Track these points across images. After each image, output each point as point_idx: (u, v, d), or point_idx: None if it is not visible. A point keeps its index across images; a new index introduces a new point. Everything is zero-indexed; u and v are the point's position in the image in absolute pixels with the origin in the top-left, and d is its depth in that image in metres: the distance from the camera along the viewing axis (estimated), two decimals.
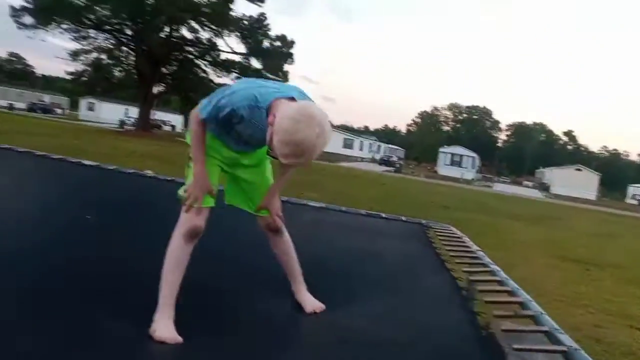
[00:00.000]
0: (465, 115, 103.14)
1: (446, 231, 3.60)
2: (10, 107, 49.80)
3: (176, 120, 64.78)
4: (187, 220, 1.78)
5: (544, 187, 52.12)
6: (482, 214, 13.83)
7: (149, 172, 10.75)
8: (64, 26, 30.04)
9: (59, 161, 4.11)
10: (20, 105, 54.18)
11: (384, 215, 3.98)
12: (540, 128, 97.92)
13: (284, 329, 1.88)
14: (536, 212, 17.95)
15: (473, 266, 2.60)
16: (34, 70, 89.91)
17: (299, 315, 1.93)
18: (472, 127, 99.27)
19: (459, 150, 57.70)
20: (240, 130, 1.80)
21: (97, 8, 29.77)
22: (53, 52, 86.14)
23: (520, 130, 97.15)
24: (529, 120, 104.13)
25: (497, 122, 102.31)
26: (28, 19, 29.22)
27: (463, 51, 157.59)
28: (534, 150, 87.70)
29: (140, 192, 3.74)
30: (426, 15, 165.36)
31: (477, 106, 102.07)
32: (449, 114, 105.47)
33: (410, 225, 3.83)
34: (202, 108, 1.79)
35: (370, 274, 2.50)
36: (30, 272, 1.90)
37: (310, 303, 2.02)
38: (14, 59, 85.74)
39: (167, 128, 57.40)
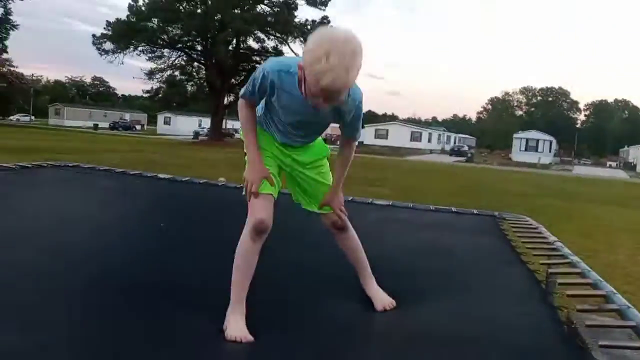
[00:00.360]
0: (539, 97, 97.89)
1: (521, 222, 3.46)
2: (95, 127, 53.63)
3: None
4: (251, 215, 1.75)
5: (629, 167, 48.45)
6: (561, 199, 13.13)
7: (222, 180, 11.21)
8: (140, 48, 32.14)
9: (137, 176, 4.37)
10: (104, 124, 58.23)
11: (454, 209, 3.88)
12: (622, 105, 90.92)
13: (355, 326, 1.90)
14: (621, 194, 16.74)
15: (551, 258, 2.47)
16: (116, 91, 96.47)
17: (370, 312, 1.92)
18: (548, 109, 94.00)
19: (534, 134, 54.92)
20: (278, 106, 1.73)
21: (169, 28, 31.65)
22: (131, 72, 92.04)
23: (600, 108, 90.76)
24: (610, 97, 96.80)
25: (575, 103, 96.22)
26: (108, 45, 31.50)
27: (532, 32, 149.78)
28: (616, 128, 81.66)
29: (213, 200, 3.90)
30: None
31: (552, 87, 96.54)
32: (521, 98, 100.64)
33: (482, 218, 3.70)
34: (242, 91, 1.81)
35: (442, 270, 2.45)
36: (114, 275, 2.05)
37: (381, 299, 1.97)
38: (97, 82, 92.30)
39: (238, 136, 59.09)
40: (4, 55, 48.14)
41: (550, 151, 52.95)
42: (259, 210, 1.75)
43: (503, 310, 2.02)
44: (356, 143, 1.95)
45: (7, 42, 49.78)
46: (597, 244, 7.31)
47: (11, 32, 49.91)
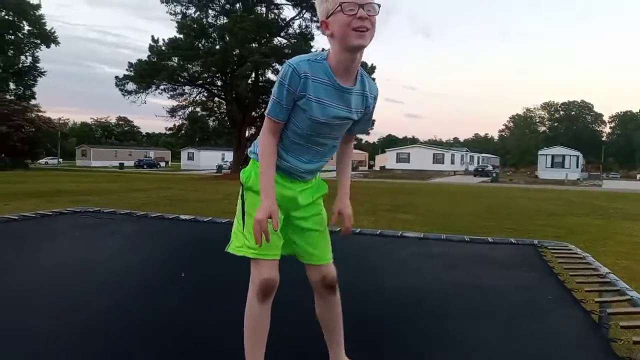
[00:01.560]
0: (562, 112, 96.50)
1: (564, 251, 3.21)
2: (121, 166, 54.76)
3: None
4: (257, 276, 1.61)
5: None
6: (594, 217, 12.61)
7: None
8: (162, 86, 32.96)
9: (159, 219, 4.27)
10: (130, 163, 59.45)
11: (490, 239, 3.64)
12: None
13: None
14: None
15: (605, 294, 2.23)
16: (140, 129, 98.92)
17: None
18: (572, 124, 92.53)
19: (559, 150, 53.89)
20: (310, 109, 1.58)
21: (189, 66, 32.42)
22: (154, 111, 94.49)
23: (626, 119, 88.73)
24: (635, 107, 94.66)
25: (599, 115, 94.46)
26: (130, 86, 32.38)
27: (550, 48, 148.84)
28: None
29: None
30: (503, 19, 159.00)
31: (575, 101, 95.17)
32: (543, 113, 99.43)
33: (522, 247, 3.46)
34: (268, 108, 1.64)
35: (488, 314, 2.22)
36: (123, 333, 1.89)
37: None
38: (122, 122, 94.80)
39: None
40: (32, 101, 50.05)
41: (577, 166, 51.80)
42: (264, 268, 1.61)
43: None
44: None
45: (35, 89, 52.05)
46: (639, 264, 6.92)
47: (39, 78, 52.17)
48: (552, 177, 44.95)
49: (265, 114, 1.64)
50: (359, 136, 42.48)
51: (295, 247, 1.77)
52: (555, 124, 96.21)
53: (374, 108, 1.74)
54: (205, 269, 2.78)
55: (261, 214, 1.57)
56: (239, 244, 1.67)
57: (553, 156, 52.51)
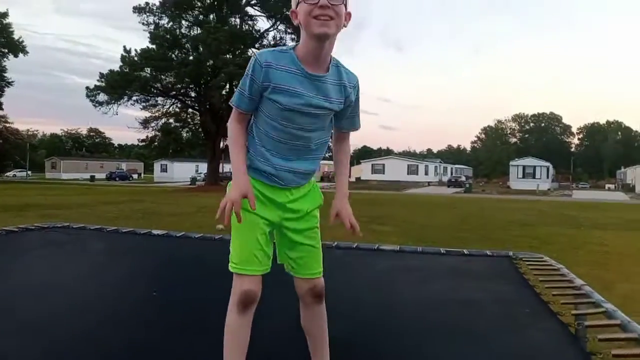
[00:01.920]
0: (532, 124, 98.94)
1: (539, 262, 3.24)
2: (92, 179, 53.60)
3: None
4: (237, 287, 1.57)
5: (628, 188, 48.35)
6: (566, 227, 12.91)
7: (220, 227, 10.97)
8: (134, 97, 32.48)
9: (130, 234, 4.16)
10: (102, 175, 58.26)
11: (465, 251, 3.65)
12: (616, 126, 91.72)
13: None
14: (625, 217, 16.48)
15: (581, 306, 2.25)
16: (112, 141, 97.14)
17: None
18: (541, 135, 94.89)
19: (530, 161, 55.14)
20: (276, 100, 1.56)
21: (163, 77, 32.05)
22: (126, 122, 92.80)
23: (593, 131, 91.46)
24: (602, 119, 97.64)
25: (568, 127, 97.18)
26: (102, 97, 31.81)
27: (519, 60, 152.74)
28: (611, 150, 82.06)
29: (209, 256, 3.65)
30: (472, 33, 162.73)
31: (544, 113, 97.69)
32: (514, 125, 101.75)
33: (497, 259, 3.48)
34: (232, 99, 1.64)
35: (463, 328, 2.20)
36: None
37: None
38: (93, 133, 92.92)
39: None
40: (0, 112, 48.80)
41: (547, 177, 53.03)
42: (246, 281, 1.57)
43: None
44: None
45: (2, 99, 50.73)
46: (610, 273, 7.05)
47: (6, 89, 50.86)
48: (524, 188, 45.87)
49: (230, 103, 1.65)
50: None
51: (285, 258, 1.74)
52: (526, 136, 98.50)
53: (357, 100, 1.70)
54: (179, 286, 2.70)
55: (235, 193, 1.55)
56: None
57: (524, 167, 53.66)
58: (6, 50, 49.91)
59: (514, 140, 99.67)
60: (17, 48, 50.08)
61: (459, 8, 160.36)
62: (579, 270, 6.80)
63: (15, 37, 50.04)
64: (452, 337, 2.08)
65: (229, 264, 1.62)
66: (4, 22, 49.08)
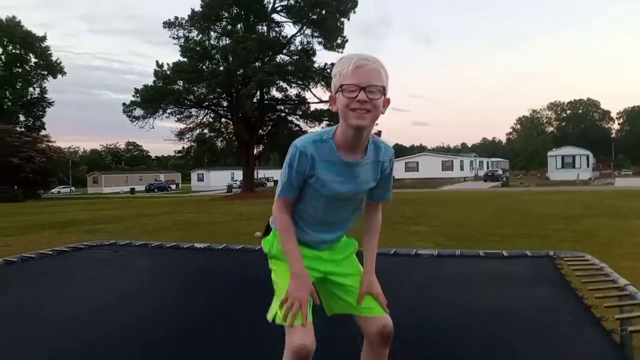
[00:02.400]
0: (569, 111, 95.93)
1: (581, 262, 3.18)
2: (132, 192, 55.19)
3: (278, 175, 68.18)
4: (290, 343, 1.53)
5: None
6: (609, 218, 12.48)
7: (258, 234, 11.16)
8: (169, 110, 33.34)
9: (174, 248, 4.31)
10: (141, 187, 59.92)
11: (505, 253, 3.62)
12: None
13: None
14: None
15: (626, 308, 2.21)
16: (149, 153, 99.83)
17: None
18: (579, 122, 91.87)
19: (569, 150, 53.50)
20: (318, 186, 1.62)
21: (195, 88, 32.79)
22: (162, 134, 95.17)
23: (634, 115, 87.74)
24: None
25: (606, 112, 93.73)
26: (138, 112, 32.76)
27: (552, 47, 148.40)
28: None
29: (250, 268, 3.75)
30: (504, 22, 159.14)
31: (581, 99, 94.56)
32: (550, 114, 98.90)
33: (537, 260, 3.43)
34: (278, 189, 1.67)
35: (504, 338, 2.18)
36: None
37: None
38: (131, 147, 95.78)
39: (270, 184, 60.39)
40: (42, 132, 50.83)
41: (588, 166, 51.35)
42: (300, 334, 1.54)
43: None
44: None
45: (44, 119, 52.89)
46: None
47: (47, 109, 53.02)
48: (564, 178, 44.60)
49: (276, 196, 1.67)
50: None
51: (343, 304, 1.74)
52: (563, 124, 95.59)
53: (391, 170, 1.74)
54: (224, 299, 2.80)
55: (302, 294, 1.57)
56: (272, 310, 1.65)
57: (563, 157, 52.13)
58: (46, 72, 52.07)
59: (550, 129, 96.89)
60: (55, 69, 52.18)
61: None
62: (625, 263, 6.63)
63: (54, 58, 52.20)
64: (489, 350, 2.08)
65: (272, 314, 1.62)
66: (43, 45, 51.21)
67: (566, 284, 2.76)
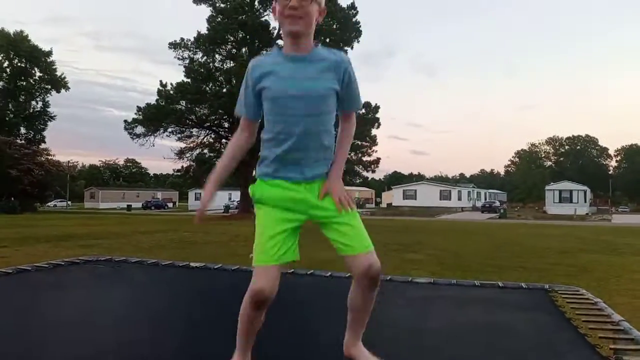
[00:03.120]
0: (567, 147, 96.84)
1: (576, 295, 3.20)
2: (129, 208, 55.06)
3: None
4: (252, 284, 1.65)
5: None
6: (606, 254, 12.50)
7: (253, 256, 11.13)
8: (170, 129, 33.60)
9: (169, 266, 4.31)
10: (138, 204, 59.78)
11: (500, 284, 3.63)
12: None
13: None
14: None
15: (620, 342, 2.23)
16: (148, 171, 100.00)
17: None
18: (577, 158, 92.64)
19: (566, 185, 53.78)
20: (272, 95, 1.67)
21: (197, 109, 33.09)
22: (162, 152, 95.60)
23: (632, 153, 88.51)
24: None
25: (604, 149, 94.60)
26: (139, 129, 33.00)
27: (551, 84, 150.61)
28: None
29: (244, 287, 3.75)
30: (503, 57, 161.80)
31: (579, 135, 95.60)
32: (548, 148, 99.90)
33: (533, 292, 3.45)
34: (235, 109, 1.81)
35: (498, 353, 2.21)
36: None
37: (367, 357, 1.82)
38: (129, 164, 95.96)
39: None
40: (42, 145, 51.01)
41: (585, 201, 51.56)
42: (260, 278, 1.65)
43: None
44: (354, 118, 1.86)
45: (45, 132, 53.11)
46: None
47: (49, 122, 53.31)
48: (561, 213, 44.74)
49: (235, 113, 1.80)
50: (364, 174, 42.53)
51: (331, 241, 1.74)
52: (561, 159, 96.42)
53: (354, 80, 1.75)
54: (219, 318, 2.79)
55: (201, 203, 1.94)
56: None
57: (560, 191, 52.36)
58: (49, 87, 52.56)
59: (548, 163, 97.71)
60: (59, 84, 52.68)
61: (491, 32, 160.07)
62: (620, 299, 6.63)
63: (58, 73, 52.76)
64: None
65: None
66: (48, 60, 51.83)
67: (561, 314, 2.78)
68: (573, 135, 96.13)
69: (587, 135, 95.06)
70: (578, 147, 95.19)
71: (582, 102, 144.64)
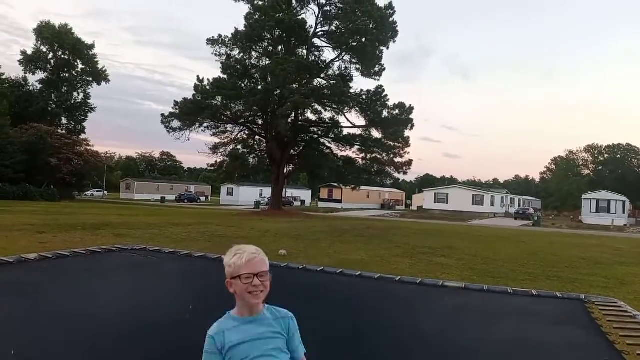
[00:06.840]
0: (606, 155, 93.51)
1: (613, 307, 3.10)
2: (162, 200, 56.16)
3: (305, 195, 68.76)
4: None
5: None
6: None
7: (283, 252, 11.17)
8: (205, 124, 34.14)
9: (201, 258, 4.38)
10: (171, 197, 60.94)
11: (534, 292, 3.55)
12: None
13: None
14: None
15: None
16: (182, 164, 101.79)
17: None
18: (617, 167, 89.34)
19: (604, 194, 51.96)
20: (237, 349, 1.79)
21: (232, 105, 33.50)
22: (196, 147, 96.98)
23: None
24: None
25: None
26: (175, 123, 33.61)
27: (592, 90, 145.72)
28: None
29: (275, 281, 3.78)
30: (541, 60, 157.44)
31: (620, 144, 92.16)
32: (587, 156, 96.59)
33: (567, 302, 3.35)
34: None
35: None
36: None
37: None
38: (165, 157, 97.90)
39: (297, 203, 60.56)
40: (82, 136, 52.60)
41: (623, 212, 49.71)
42: None
43: None
44: None
45: (85, 123, 54.77)
46: None
47: (89, 114, 54.93)
48: (597, 223, 43.29)
49: None
50: (396, 175, 42.17)
51: None
52: (600, 168, 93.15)
53: (296, 328, 1.91)
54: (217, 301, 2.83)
55: None
56: None
57: (598, 200, 50.64)
58: (91, 79, 54.12)
59: (586, 172, 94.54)
60: (100, 76, 54.21)
61: (528, 34, 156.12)
62: None
63: (100, 66, 54.29)
64: None
65: None
66: (90, 53, 53.38)
67: (597, 328, 2.69)
68: (613, 144, 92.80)
69: (628, 144, 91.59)
70: (618, 156, 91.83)
71: (624, 109, 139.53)
